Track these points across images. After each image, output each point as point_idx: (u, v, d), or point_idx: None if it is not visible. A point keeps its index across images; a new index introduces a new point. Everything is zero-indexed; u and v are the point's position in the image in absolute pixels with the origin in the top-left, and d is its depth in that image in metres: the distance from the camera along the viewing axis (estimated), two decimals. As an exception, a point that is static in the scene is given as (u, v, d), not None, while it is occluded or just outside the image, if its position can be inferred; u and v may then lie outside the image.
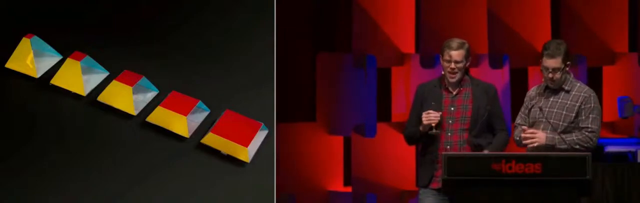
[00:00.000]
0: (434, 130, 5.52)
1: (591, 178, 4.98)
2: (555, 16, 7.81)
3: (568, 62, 5.44)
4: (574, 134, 5.37)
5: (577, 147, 5.32)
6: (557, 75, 5.41)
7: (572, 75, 5.51)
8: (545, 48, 5.42)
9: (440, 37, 6.31)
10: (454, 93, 5.65)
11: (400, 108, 7.34)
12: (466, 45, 5.61)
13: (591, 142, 5.36)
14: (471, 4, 7.58)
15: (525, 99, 5.63)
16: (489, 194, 5.01)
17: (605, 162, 5.41)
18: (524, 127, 5.43)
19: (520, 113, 5.62)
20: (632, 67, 7.89)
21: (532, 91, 5.62)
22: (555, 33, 7.69)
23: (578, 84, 5.49)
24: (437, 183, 5.58)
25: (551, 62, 5.39)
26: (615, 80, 7.93)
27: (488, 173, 5.00)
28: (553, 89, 5.48)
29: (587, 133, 5.36)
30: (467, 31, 7.39)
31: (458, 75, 5.61)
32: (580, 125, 5.38)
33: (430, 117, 5.52)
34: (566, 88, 5.46)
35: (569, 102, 5.44)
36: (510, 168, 4.99)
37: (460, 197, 5.05)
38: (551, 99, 5.49)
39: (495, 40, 7.61)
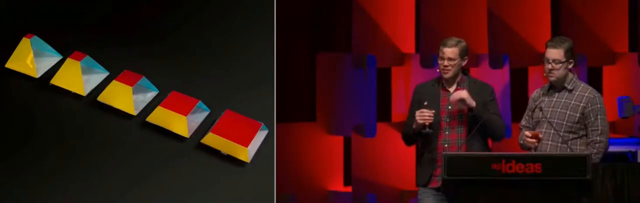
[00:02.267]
0: (426, 129, 5.52)
1: (591, 178, 4.98)
2: (555, 16, 7.80)
3: (571, 60, 5.43)
4: (592, 150, 5.37)
5: (600, 155, 5.34)
6: (557, 67, 5.40)
7: (575, 76, 5.50)
8: (549, 40, 5.44)
9: (440, 37, 6.29)
10: (451, 92, 5.66)
11: (400, 108, 7.33)
12: (462, 44, 5.62)
13: (605, 145, 5.38)
14: (471, 4, 7.57)
15: (529, 101, 5.63)
16: (489, 194, 5.01)
17: (605, 162, 5.39)
18: (526, 132, 5.43)
19: (524, 115, 5.62)
20: (632, 67, 7.88)
21: (535, 92, 5.62)
22: (556, 33, 7.67)
23: (582, 85, 5.48)
24: (436, 183, 5.57)
25: (552, 53, 5.39)
26: (615, 80, 7.92)
27: (488, 173, 5.00)
28: (556, 87, 5.48)
29: (596, 139, 5.36)
30: (467, 31, 7.38)
31: (451, 73, 5.62)
32: (590, 128, 5.38)
33: (424, 116, 5.52)
34: (568, 87, 5.46)
35: (572, 102, 5.43)
36: (510, 168, 4.99)
37: (460, 197, 5.05)
38: (554, 99, 5.48)
39: (495, 40, 7.60)
